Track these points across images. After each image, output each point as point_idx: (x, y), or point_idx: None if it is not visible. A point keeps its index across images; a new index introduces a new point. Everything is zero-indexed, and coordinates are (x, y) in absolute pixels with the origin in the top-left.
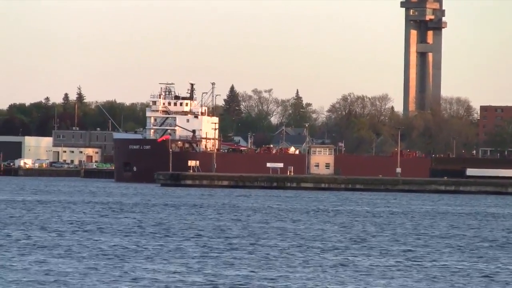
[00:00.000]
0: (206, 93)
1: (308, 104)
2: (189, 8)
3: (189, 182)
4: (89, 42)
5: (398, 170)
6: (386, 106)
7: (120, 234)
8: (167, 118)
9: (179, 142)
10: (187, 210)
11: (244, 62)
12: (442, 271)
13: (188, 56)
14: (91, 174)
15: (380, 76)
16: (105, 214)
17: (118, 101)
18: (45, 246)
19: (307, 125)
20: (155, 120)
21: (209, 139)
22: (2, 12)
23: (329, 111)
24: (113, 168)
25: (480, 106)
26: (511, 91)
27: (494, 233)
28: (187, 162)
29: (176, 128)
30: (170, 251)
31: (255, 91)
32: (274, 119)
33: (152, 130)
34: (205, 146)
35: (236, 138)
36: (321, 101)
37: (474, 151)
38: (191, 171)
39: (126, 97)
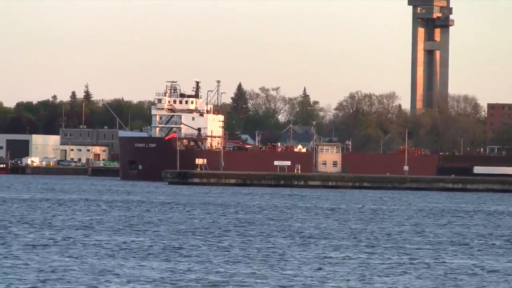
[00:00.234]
0: (212, 91)
1: (316, 102)
2: (196, 6)
3: (196, 180)
4: (97, 40)
5: (406, 168)
6: (394, 104)
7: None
8: (172, 116)
9: (185, 140)
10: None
11: (252, 60)
12: None
13: (195, 54)
14: (98, 172)
15: (387, 74)
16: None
17: (125, 99)
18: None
19: (314, 123)
20: (161, 118)
21: (215, 137)
22: (8, 11)
23: (336, 109)
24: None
25: (488, 104)
26: None
27: None
28: (194, 160)
29: (182, 126)
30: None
31: (262, 89)
32: (281, 117)
33: (157, 128)
34: (211, 144)
35: (244, 136)
36: (328, 99)
37: (482, 149)
38: (199, 169)
39: (133, 95)
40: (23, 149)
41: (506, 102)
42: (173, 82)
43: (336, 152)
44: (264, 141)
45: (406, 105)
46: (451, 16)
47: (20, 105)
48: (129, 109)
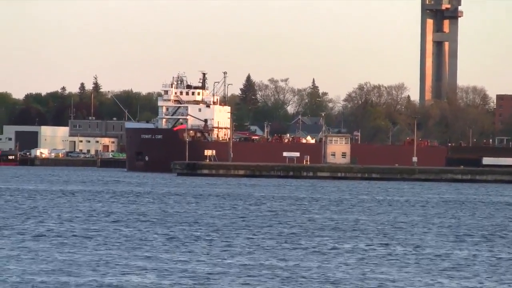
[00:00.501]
0: (218, 82)
1: (325, 93)
2: None
3: (205, 171)
4: (106, 32)
5: (415, 159)
6: (403, 95)
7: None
8: (179, 107)
9: (191, 132)
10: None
11: (261, 52)
12: None
13: (204, 45)
14: (107, 163)
15: (396, 65)
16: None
17: (134, 90)
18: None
19: (323, 114)
20: (167, 109)
21: (221, 128)
22: (18, 2)
23: (345, 100)
24: None
25: (496, 95)
26: None
27: None
28: (202, 151)
29: (188, 117)
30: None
31: (271, 80)
32: (290, 108)
33: (164, 120)
34: (217, 136)
35: (253, 128)
36: (337, 90)
37: (490, 140)
38: (208, 160)
39: (142, 87)
40: (32, 140)
41: None
42: (179, 73)
43: (345, 143)
44: (273, 133)
45: (415, 96)
46: (459, 7)
47: (29, 97)
48: (138, 100)
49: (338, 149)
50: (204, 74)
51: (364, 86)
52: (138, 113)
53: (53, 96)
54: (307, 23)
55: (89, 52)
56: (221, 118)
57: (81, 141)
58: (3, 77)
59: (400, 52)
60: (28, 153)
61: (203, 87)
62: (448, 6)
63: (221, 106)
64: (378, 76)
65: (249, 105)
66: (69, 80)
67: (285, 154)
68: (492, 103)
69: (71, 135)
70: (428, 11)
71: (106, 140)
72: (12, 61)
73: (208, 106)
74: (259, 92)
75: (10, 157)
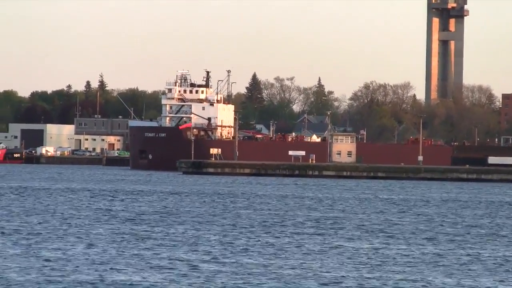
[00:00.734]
0: (222, 80)
1: (330, 92)
2: None
3: (211, 170)
4: (111, 30)
5: (420, 158)
6: (408, 94)
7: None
8: (182, 105)
9: (195, 130)
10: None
11: (267, 50)
12: None
13: (211, 44)
14: (112, 162)
15: (402, 64)
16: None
17: (140, 89)
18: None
19: (329, 113)
20: (171, 107)
21: (225, 126)
22: (24, 1)
23: (351, 99)
24: None
25: (502, 94)
26: None
27: None
28: (206, 150)
29: (192, 115)
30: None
31: (277, 79)
32: (296, 107)
33: (167, 118)
34: (221, 134)
35: (258, 126)
36: (343, 89)
37: (496, 139)
38: (213, 159)
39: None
40: (38, 138)
41: None
42: (183, 71)
43: (350, 142)
44: (279, 131)
45: (420, 95)
46: (465, 6)
47: (34, 95)
48: (144, 98)
49: (343, 148)
50: (208, 72)
51: (370, 85)
52: (144, 112)
53: (59, 94)
54: (313, 22)
55: (95, 50)
56: (224, 117)
57: (86, 139)
58: (9, 75)
59: (406, 51)
60: (33, 151)
61: (207, 85)
62: (454, 5)
63: (224, 105)
64: (384, 75)
65: (255, 103)
66: (75, 78)
67: (290, 153)
68: (498, 102)
69: (76, 133)
70: (434, 10)
71: (111, 138)
72: (18, 59)
73: (211, 104)
74: (265, 91)
75: (16, 155)
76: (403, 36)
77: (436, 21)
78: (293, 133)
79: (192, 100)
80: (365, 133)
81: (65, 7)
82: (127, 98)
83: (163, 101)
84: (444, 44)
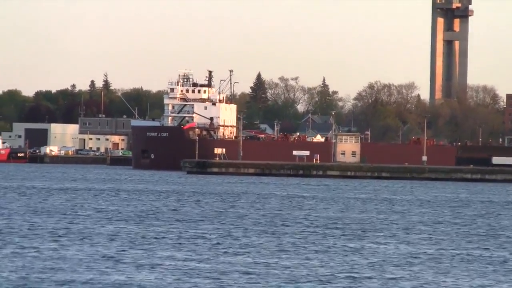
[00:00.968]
0: (224, 80)
1: (335, 92)
2: None
3: (215, 170)
4: (116, 30)
5: (424, 158)
6: (413, 94)
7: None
8: (185, 105)
9: (197, 130)
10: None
11: (271, 50)
12: None
13: (215, 44)
14: (117, 161)
15: (406, 64)
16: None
17: (144, 88)
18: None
19: (333, 113)
20: (173, 107)
21: (227, 126)
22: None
23: (355, 99)
24: None
25: (506, 94)
26: None
27: None
28: (209, 149)
29: (194, 115)
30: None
31: (281, 78)
32: (300, 107)
33: (170, 117)
34: (223, 134)
35: (263, 126)
36: (347, 89)
37: (500, 139)
38: (218, 158)
39: (152, 85)
40: (42, 138)
41: None
42: (186, 71)
43: (355, 142)
44: (283, 131)
45: (425, 95)
46: (470, 6)
47: (39, 94)
48: (148, 98)
49: (348, 148)
50: (210, 72)
51: (374, 85)
52: (148, 111)
53: (63, 93)
54: (317, 21)
55: (99, 50)
56: (227, 116)
57: (90, 139)
58: (13, 74)
59: (410, 51)
60: (37, 151)
61: (209, 85)
62: (459, 5)
63: (227, 104)
64: (388, 75)
65: (259, 103)
66: (79, 77)
67: (295, 152)
68: (502, 103)
69: (81, 132)
70: (438, 10)
71: (115, 138)
72: (22, 59)
73: (214, 104)
74: (269, 91)
75: (20, 155)
76: (408, 36)
77: (440, 21)
78: (297, 133)
79: (194, 100)
80: (369, 133)
81: (70, 6)
82: (131, 97)
83: (165, 101)
84: (448, 44)
